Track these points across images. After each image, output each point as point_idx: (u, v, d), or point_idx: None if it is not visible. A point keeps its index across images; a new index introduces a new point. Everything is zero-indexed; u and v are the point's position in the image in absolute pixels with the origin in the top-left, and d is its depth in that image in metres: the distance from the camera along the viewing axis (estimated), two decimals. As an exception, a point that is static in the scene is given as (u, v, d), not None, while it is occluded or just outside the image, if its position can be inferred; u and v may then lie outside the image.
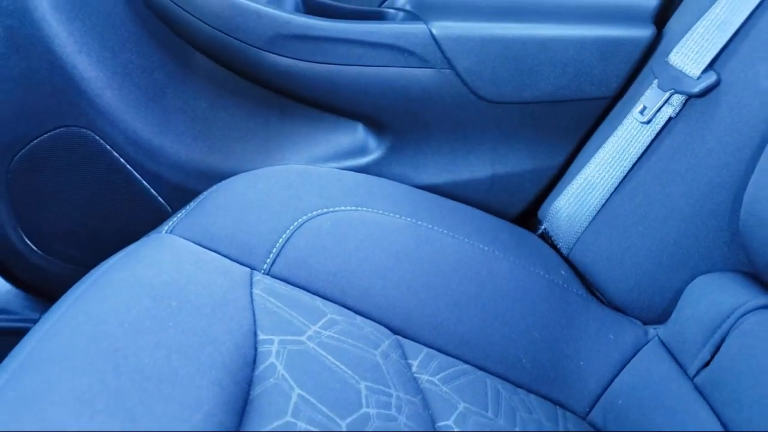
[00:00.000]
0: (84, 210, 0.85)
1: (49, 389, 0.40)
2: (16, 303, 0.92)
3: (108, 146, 0.82)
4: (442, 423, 0.55)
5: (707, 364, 0.63)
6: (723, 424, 0.59)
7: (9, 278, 0.92)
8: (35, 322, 0.91)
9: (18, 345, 0.46)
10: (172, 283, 0.53)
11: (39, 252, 0.88)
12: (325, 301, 0.62)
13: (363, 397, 0.51)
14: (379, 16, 0.81)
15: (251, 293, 0.57)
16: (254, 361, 0.50)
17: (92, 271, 0.56)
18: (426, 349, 0.63)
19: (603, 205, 0.76)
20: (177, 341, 0.47)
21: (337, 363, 0.53)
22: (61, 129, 0.81)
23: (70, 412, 0.39)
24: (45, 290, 0.92)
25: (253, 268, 0.61)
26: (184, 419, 0.41)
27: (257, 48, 0.76)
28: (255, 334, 0.53)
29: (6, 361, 0.44)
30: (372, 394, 0.52)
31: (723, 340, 0.63)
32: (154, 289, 0.51)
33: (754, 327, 0.61)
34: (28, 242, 0.88)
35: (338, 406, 0.49)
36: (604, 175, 0.76)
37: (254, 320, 0.54)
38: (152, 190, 0.84)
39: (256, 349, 0.51)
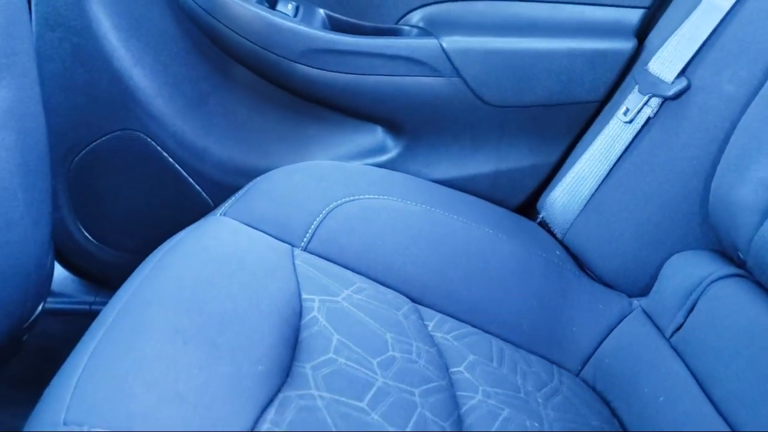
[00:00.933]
0: (136, 204, 0.97)
1: (148, 325, 0.51)
2: (72, 287, 1.04)
3: (159, 147, 0.93)
4: (455, 369, 0.66)
5: (680, 326, 0.74)
6: (693, 375, 0.69)
7: (67, 266, 1.03)
8: (89, 304, 1.03)
9: (116, 294, 0.57)
10: (231, 252, 0.64)
11: (95, 242, 1.00)
12: (354, 273, 0.73)
13: (389, 344, 0.62)
14: (395, 33, 0.93)
15: (294, 264, 0.68)
16: (301, 314, 0.61)
17: (163, 244, 0.67)
18: (439, 315, 0.74)
19: (592, 195, 0.87)
20: (241, 294, 0.58)
21: (367, 318, 0.64)
22: (118, 132, 0.93)
23: (166, 342, 0.50)
24: (98, 276, 1.03)
25: (293, 245, 0.73)
26: (253, 348, 0.52)
27: (290, 60, 0.87)
28: (299, 294, 0.64)
29: (108, 306, 0.55)
30: (396, 343, 0.63)
31: (694, 305, 0.74)
32: (217, 255, 0.62)
33: (719, 292, 0.72)
34: (86, 233, 0.99)
35: (369, 348, 0.60)
36: (593, 169, 0.87)
37: (298, 284, 0.65)
38: (197, 186, 0.96)
39: (301, 305, 0.62)
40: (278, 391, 0.51)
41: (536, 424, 0.62)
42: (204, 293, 0.56)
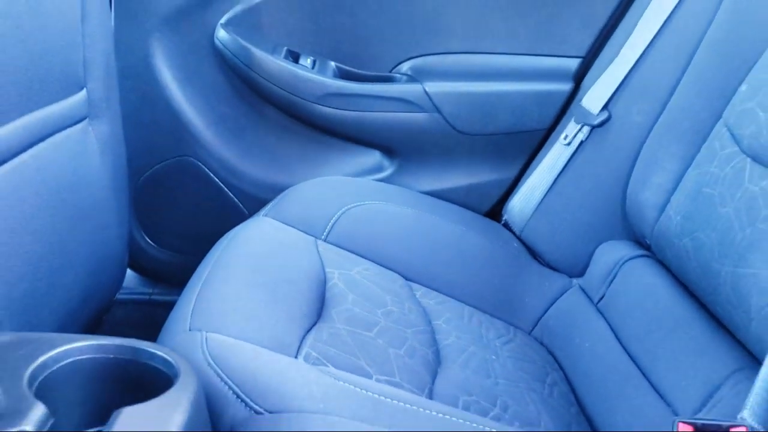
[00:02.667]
0: (187, 214, 1.23)
1: (230, 279, 0.77)
2: (133, 282, 1.29)
3: (206, 170, 1.20)
4: (435, 321, 0.91)
5: (604, 296, 1.00)
6: (611, 328, 0.95)
7: (130, 265, 1.29)
8: (149, 294, 1.28)
9: (201, 265, 0.82)
10: (274, 239, 0.90)
11: (153, 244, 1.26)
12: (361, 257, 0.99)
13: (388, 302, 0.88)
14: (389, 79, 1.20)
15: (318, 250, 0.94)
16: (325, 281, 0.87)
17: (225, 234, 0.92)
18: (425, 288, 1.00)
19: (541, 201, 1.13)
20: (285, 265, 0.84)
21: (372, 285, 0.90)
22: (174, 158, 1.20)
23: (243, 289, 0.76)
24: (155, 272, 1.29)
25: (316, 237, 0.99)
26: (297, 298, 0.78)
27: (310, 102, 1.15)
28: (324, 268, 0.90)
29: (197, 271, 0.81)
30: (393, 302, 0.89)
31: (614, 279, 1.00)
32: (266, 241, 0.88)
33: (631, 269, 0.98)
34: (146, 238, 1.26)
35: (374, 304, 0.86)
36: (542, 182, 1.14)
37: (322, 262, 0.91)
38: (235, 199, 1.22)
39: (325, 275, 0.88)
40: (314, 324, 0.77)
41: (493, 357, 0.88)
42: (261, 263, 0.82)
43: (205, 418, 0.54)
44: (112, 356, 0.55)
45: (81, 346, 0.54)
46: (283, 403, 0.56)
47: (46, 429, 0.47)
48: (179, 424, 0.48)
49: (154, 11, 1.14)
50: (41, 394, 0.49)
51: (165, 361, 0.55)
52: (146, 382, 0.54)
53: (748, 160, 0.83)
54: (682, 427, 0.58)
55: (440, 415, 0.63)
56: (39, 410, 0.47)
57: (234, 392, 0.57)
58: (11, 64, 0.75)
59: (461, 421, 0.63)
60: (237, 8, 1.15)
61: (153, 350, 0.55)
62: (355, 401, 0.59)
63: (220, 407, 0.56)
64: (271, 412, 0.55)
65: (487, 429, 0.63)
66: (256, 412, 0.56)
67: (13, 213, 0.76)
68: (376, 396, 0.62)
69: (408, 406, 0.62)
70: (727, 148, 0.88)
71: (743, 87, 0.89)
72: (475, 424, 0.63)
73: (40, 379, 0.51)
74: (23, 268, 0.77)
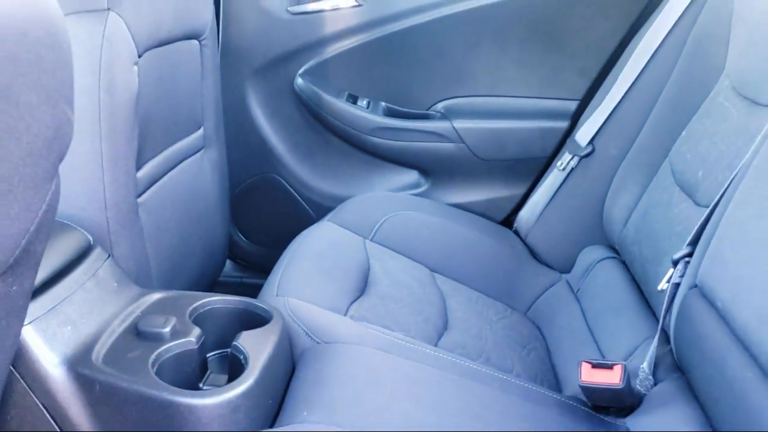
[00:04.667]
0: (272, 218, 1.62)
1: (303, 267, 1.13)
2: (229, 268, 1.69)
3: (286, 184, 1.58)
4: (449, 302, 1.25)
5: (580, 287, 1.32)
6: (582, 312, 1.27)
7: (228, 255, 1.68)
8: (240, 278, 1.67)
9: (282, 255, 1.19)
10: (334, 239, 1.26)
11: (245, 240, 1.65)
12: (397, 253, 1.33)
13: (414, 286, 1.23)
14: (426, 117, 1.55)
15: (365, 247, 1.30)
16: (369, 269, 1.23)
17: (299, 235, 1.29)
18: (444, 277, 1.34)
19: (541, 213, 1.45)
20: (340, 258, 1.20)
21: (403, 274, 1.25)
22: (262, 175, 1.58)
23: (315, 273, 1.12)
24: (245, 261, 1.68)
25: (365, 238, 1.34)
26: (348, 279, 1.13)
27: (364, 134, 1.51)
28: (368, 260, 1.25)
29: (280, 260, 1.17)
30: (418, 286, 1.23)
31: (588, 275, 1.31)
32: (329, 240, 1.25)
33: (602, 267, 1.29)
34: (241, 236, 1.64)
35: (403, 286, 1.21)
36: (543, 199, 1.46)
37: (367, 255, 1.27)
38: (306, 207, 1.59)
39: (369, 265, 1.24)
40: (358, 297, 1.13)
41: (488, 327, 1.21)
42: (324, 255, 1.18)
43: (287, 344, 0.90)
44: (233, 306, 0.93)
45: (216, 299, 0.91)
46: (332, 338, 0.92)
47: (200, 342, 0.84)
48: (273, 342, 0.85)
49: (249, 65, 1.52)
50: (196, 323, 0.86)
51: (264, 310, 0.92)
52: (252, 321, 0.91)
53: (677, 189, 1.14)
54: (584, 365, 0.90)
55: (437, 353, 0.97)
56: (196, 331, 0.84)
57: (303, 331, 0.93)
58: (159, 114, 1.13)
59: (450, 358, 0.97)
60: (311, 62, 1.52)
61: (257, 303, 0.92)
62: (379, 339, 0.94)
63: (295, 339, 0.93)
64: (325, 343, 0.91)
65: (467, 363, 0.97)
66: (317, 342, 0.92)
67: (159, 215, 1.15)
68: (394, 339, 0.97)
69: (415, 346, 0.97)
70: (668, 180, 1.18)
71: (684, 133, 1.20)
72: (459, 361, 0.97)
73: (195, 315, 0.88)
74: (166, 252, 1.16)
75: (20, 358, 0.72)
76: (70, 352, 0.74)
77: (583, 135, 1.43)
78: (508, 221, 1.57)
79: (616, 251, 1.31)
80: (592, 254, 1.35)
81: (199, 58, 1.28)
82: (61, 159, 0.52)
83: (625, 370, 0.90)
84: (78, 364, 0.73)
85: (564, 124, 1.50)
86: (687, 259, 0.94)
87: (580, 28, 1.47)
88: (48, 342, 0.73)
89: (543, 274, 1.41)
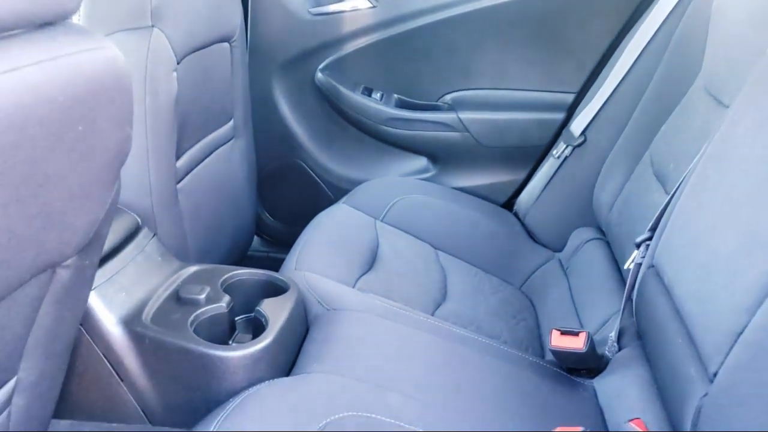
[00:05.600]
0: (294, 197, 1.78)
1: (319, 241, 1.30)
2: (257, 244, 1.86)
3: (307, 168, 1.74)
4: (449, 277, 1.41)
5: (569, 265, 1.46)
6: (569, 288, 1.41)
7: (255, 232, 1.86)
8: (266, 252, 1.84)
9: (302, 233, 1.36)
10: (348, 219, 1.43)
11: (271, 219, 1.82)
12: (404, 232, 1.49)
13: (419, 262, 1.39)
14: (435, 108, 1.69)
15: (376, 227, 1.46)
16: (378, 246, 1.39)
17: (318, 215, 1.45)
18: (446, 255, 1.49)
19: (538, 197, 1.60)
20: (353, 237, 1.36)
21: (409, 251, 1.41)
22: (286, 160, 1.75)
23: (328, 247, 1.28)
24: (272, 237, 1.86)
25: (375, 219, 1.50)
26: (359, 254, 1.30)
27: (378, 124, 1.66)
28: (378, 239, 1.41)
29: (295, 244, 1.34)
30: (422, 263, 1.39)
31: (577, 252, 1.46)
32: (344, 219, 1.41)
33: (588, 246, 1.44)
34: (267, 214, 1.82)
35: (408, 263, 1.37)
36: (540, 184, 1.60)
37: (377, 235, 1.43)
38: (326, 189, 1.76)
39: (378, 243, 1.40)
40: (366, 272, 1.29)
41: (482, 299, 1.37)
42: (338, 234, 1.35)
43: (302, 310, 1.07)
44: (257, 278, 1.10)
45: (243, 272, 1.09)
46: (340, 306, 1.09)
47: (229, 307, 1.01)
48: (289, 309, 1.02)
49: (274, 62, 1.68)
50: (226, 292, 1.04)
51: (283, 281, 1.09)
52: (273, 291, 1.08)
53: (654, 179, 1.27)
54: (553, 332, 1.06)
55: (430, 321, 1.13)
56: (226, 298, 1.02)
57: (316, 299, 1.10)
58: (195, 110, 1.30)
59: (441, 325, 1.13)
60: (330, 58, 1.67)
61: (277, 276, 1.09)
62: (380, 308, 1.11)
63: (309, 306, 1.10)
64: (334, 310, 1.08)
65: (456, 330, 1.13)
66: (327, 309, 1.09)
67: (195, 199, 1.32)
68: (394, 307, 1.13)
69: (411, 314, 1.13)
70: (647, 170, 1.32)
71: (663, 128, 1.33)
72: (449, 327, 1.13)
73: (225, 285, 1.06)
74: (201, 231, 1.34)
75: (86, 318, 0.90)
76: (125, 313, 0.92)
77: (577, 126, 1.56)
78: (509, 204, 1.71)
79: (603, 233, 1.45)
80: (581, 235, 1.49)
81: (230, 58, 1.44)
82: (122, 165, 0.69)
83: (588, 336, 1.05)
84: (131, 323, 0.91)
85: (560, 116, 1.63)
86: (648, 242, 1.08)
87: (576, 27, 1.60)
88: (107, 305, 0.91)
89: (538, 253, 1.55)
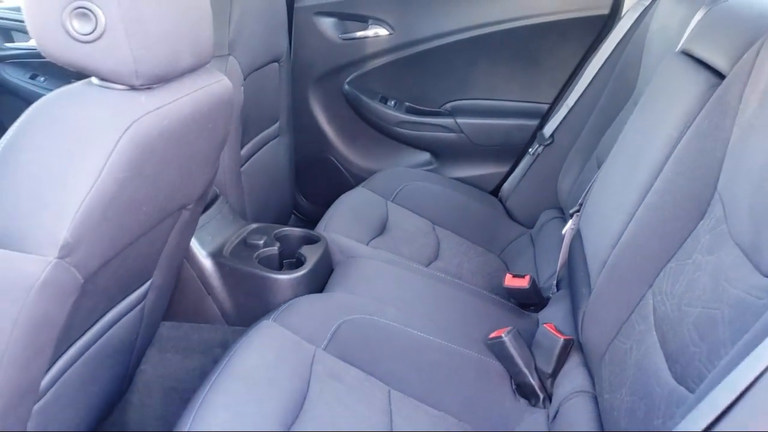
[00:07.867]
0: (323, 182, 2.23)
1: (341, 214, 1.74)
2: (292, 221, 2.31)
3: (334, 160, 2.19)
4: (442, 244, 1.84)
5: (536, 239, 1.89)
6: (534, 256, 1.84)
7: (292, 211, 2.31)
8: (301, 227, 2.30)
9: (326, 213, 1.80)
10: (365, 200, 1.87)
11: (305, 201, 2.28)
12: (409, 211, 1.93)
13: (418, 233, 1.82)
14: (438, 114, 2.13)
15: (387, 206, 1.90)
16: (388, 218, 1.82)
17: (340, 198, 1.89)
18: (441, 228, 1.92)
19: (517, 185, 2.02)
20: (367, 212, 1.80)
21: (410, 225, 1.84)
22: (318, 154, 2.20)
23: (349, 219, 1.73)
24: (305, 216, 2.31)
25: (387, 200, 1.93)
26: (372, 225, 1.74)
27: (391, 125, 2.11)
28: (388, 215, 1.85)
29: (324, 216, 1.78)
30: (421, 234, 1.82)
31: (542, 228, 1.88)
32: (359, 201, 1.85)
33: (550, 224, 1.86)
34: (301, 196, 2.27)
35: (408, 233, 1.80)
36: (519, 175, 2.03)
37: (387, 212, 1.86)
38: (349, 177, 2.20)
39: (388, 217, 1.83)
40: (376, 236, 1.73)
41: (466, 260, 1.80)
42: (356, 209, 1.79)
43: (328, 255, 1.52)
44: (298, 233, 1.55)
45: (288, 228, 1.54)
46: (356, 255, 1.53)
47: (279, 251, 1.46)
48: (320, 253, 1.46)
49: (310, 76, 2.14)
50: (277, 240, 1.48)
51: (316, 236, 1.54)
52: (309, 241, 1.52)
53: (597, 169, 1.69)
54: (507, 275, 1.48)
55: (423, 269, 1.57)
56: (277, 245, 1.47)
57: (339, 249, 1.55)
58: (253, 114, 1.75)
59: (431, 272, 1.57)
60: (355, 74, 2.12)
61: (312, 232, 1.54)
62: (386, 258, 1.55)
63: (333, 254, 1.54)
64: (351, 257, 1.53)
65: (442, 275, 1.56)
66: (346, 257, 1.53)
67: (251, 180, 1.77)
68: (396, 258, 1.57)
69: (409, 263, 1.57)
70: (594, 163, 1.74)
71: (608, 131, 1.75)
72: (437, 273, 1.56)
73: (277, 236, 1.51)
74: (255, 204, 1.79)
75: (187, 253, 1.35)
76: (212, 250, 1.37)
77: (548, 130, 1.99)
78: (496, 191, 2.14)
79: (563, 212, 1.87)
80: (547, 215, 1.91)
81: (278, 74, 1.89)
82: (223, 147, 1.14)
83: (531, 279, 1.48)
84: (217, 257, 1.37)
85: (536, 122, 2.06)
86: (578, 212, 1.50)
87: (550, 51, 2.02)
88: (201, 244, 1.36)
89: (514, 229, 1.98)
